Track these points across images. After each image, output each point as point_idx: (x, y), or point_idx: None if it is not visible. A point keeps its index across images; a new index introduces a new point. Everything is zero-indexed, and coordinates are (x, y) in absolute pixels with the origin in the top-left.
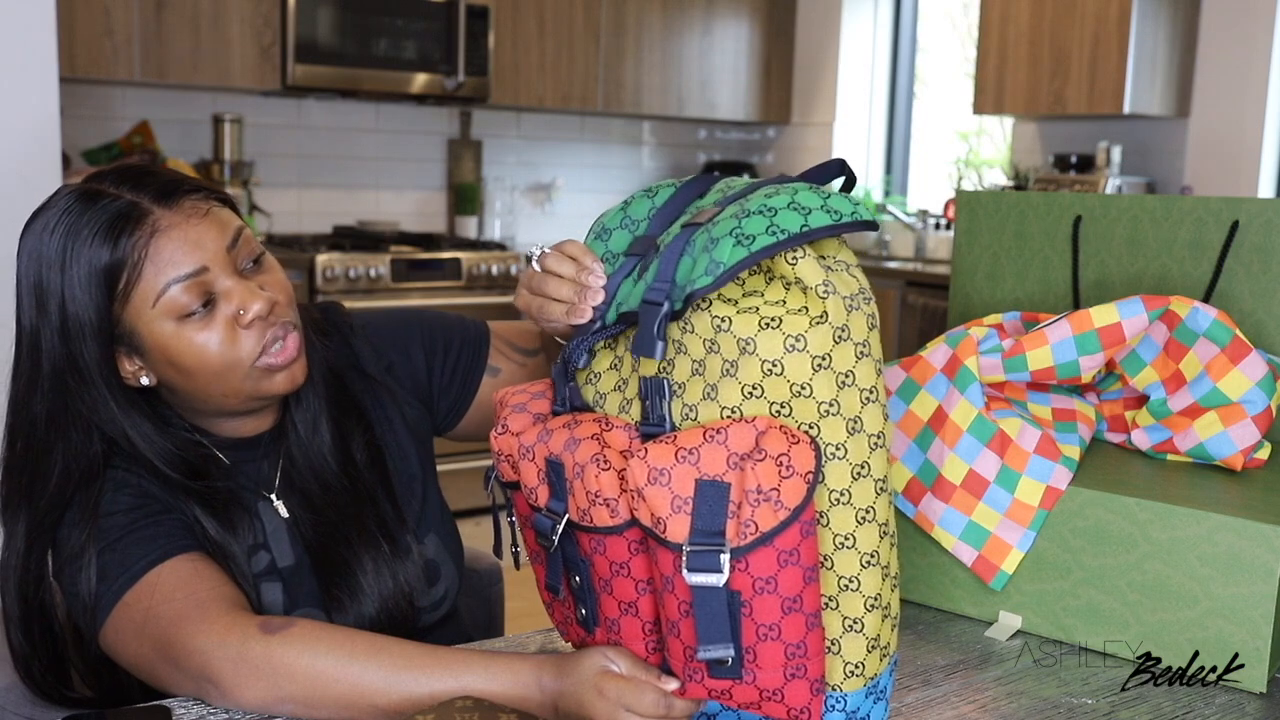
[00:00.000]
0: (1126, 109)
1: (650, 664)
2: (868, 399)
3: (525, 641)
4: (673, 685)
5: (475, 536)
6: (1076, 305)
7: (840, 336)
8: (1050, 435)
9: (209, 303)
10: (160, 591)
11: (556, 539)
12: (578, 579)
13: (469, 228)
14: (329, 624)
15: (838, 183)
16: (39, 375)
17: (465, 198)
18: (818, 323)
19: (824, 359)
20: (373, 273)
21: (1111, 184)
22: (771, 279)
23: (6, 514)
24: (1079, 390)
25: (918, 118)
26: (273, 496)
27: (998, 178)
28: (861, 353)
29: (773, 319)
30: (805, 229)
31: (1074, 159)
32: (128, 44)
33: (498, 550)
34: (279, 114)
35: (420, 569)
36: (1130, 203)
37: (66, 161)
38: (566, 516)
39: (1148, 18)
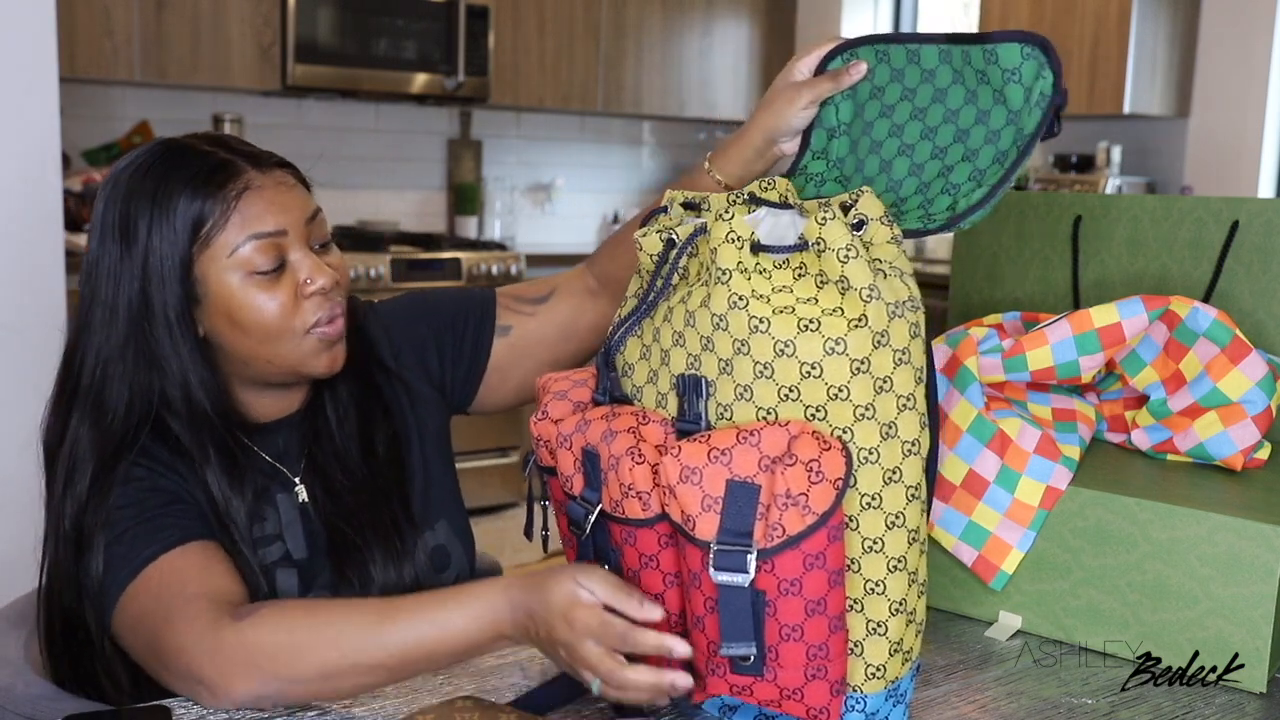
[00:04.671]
0: (1126, 109)
1: (631, 586)
2: (904, 405)
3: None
4: (655, 614)
5: (478, 535)
6: (1076, 305)
7: (880, 341)
8: (1050, 435)
9: (279, 267)
10: (154, 587)
11: (588, 528)
12: (606, 567)
13: (469, 228)
14: (296, 599)
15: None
16: (114, 311)
17: (465, 198)
18: (857, 326)
19: (863, 363)
20: (373, 273)
21: (1111, 184)
22: (802, 274)
23: (55, 448)
24: (1079, 390)
25: None
26: (296, 480)
27: None
28: (900, 360)
29: (811, 320)
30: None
31: (1074, 159)
32: (128, 44)
33: (528, 532)
34: (279, 114)
35: (427, 559)
36: (1130, 203)
37: (66, 161)
38: (600, 506)
39: (1148, 18)
